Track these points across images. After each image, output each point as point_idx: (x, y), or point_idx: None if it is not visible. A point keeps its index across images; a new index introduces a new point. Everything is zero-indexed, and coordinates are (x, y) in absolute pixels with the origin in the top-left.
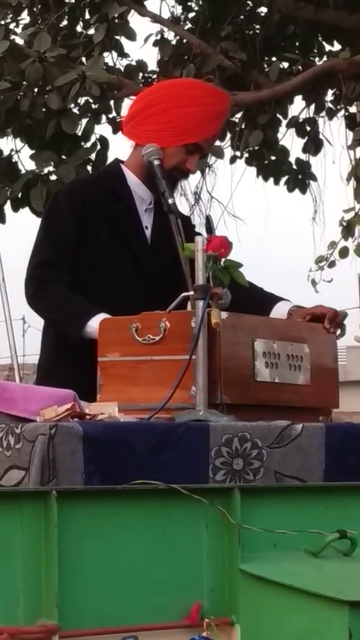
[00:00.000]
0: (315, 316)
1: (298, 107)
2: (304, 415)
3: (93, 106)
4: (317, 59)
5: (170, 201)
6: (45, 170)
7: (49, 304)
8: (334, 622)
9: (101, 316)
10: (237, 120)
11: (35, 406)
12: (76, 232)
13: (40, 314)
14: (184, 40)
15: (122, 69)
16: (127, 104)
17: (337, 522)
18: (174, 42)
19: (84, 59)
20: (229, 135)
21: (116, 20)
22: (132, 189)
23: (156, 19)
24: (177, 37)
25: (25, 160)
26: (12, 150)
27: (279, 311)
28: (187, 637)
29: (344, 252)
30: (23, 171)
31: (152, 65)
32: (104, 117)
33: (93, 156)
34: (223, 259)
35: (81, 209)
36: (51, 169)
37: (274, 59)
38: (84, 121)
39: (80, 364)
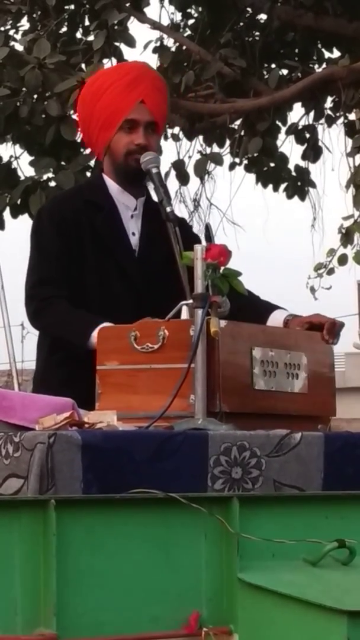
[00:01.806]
0: (313, 325)
1: (297, 114)
2: (302, 424)
3: None
4: (316, 66)
5: (168, 209)
6: (45, 177)
7: (52, 321)
8: (333, 632)
9: (104, 325)
10: (236, 127)
11: (34, 414)
12: (63, 249)
13: (44, 331)
14: (184, 47)
15: None
16: None
17: (336, 532)
18: (173, 49)
19: (83, 66)
20: (228, 142)
21: (116, 27)
22: (114, 197)
23: (156, 25)
24: (177, 44)
25: (25, 167)
26: (11, 156)
27: (275, 320)
28: None
29: (342, 260)
30: (22, 177)
31: None
32: None
33: (92, 163)
34: (222, 267)
35: (64, 225)
36: (50, 175)
37: (273, 66)
38: None
39: (74, 374)
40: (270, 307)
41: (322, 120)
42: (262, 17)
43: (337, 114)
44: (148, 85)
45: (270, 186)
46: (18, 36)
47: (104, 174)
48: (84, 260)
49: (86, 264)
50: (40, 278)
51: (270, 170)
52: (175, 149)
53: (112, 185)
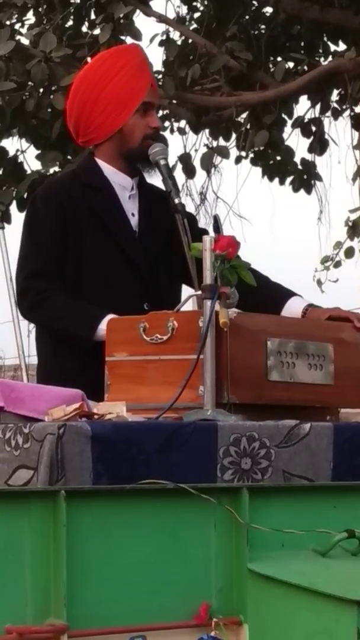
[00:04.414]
0: (333, 319)
1: (303, 107)
2: (321, 416)
3: None
4: (322, 59)
5: (176, 201)
6: (51, 171)
7: (52, 314)
8: (342, 622)
9: (110, 317)
10: (242, 121)
11: (44, 406)
12: (60, 235)
13: (43, 325)
14: (190, 41)
15: None
16: None
17: (345, 522)
18: (179, 42)
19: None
20: (234, 136)
21: (122, 20)
22: (109, 179)
23: (162, 19)
24: (183, 37)
25: (31, 161)
26: (17, 150)
27: (292, 308)
28: (195, 637)
29: (349, 252)
30: (29, 171)
31: (158, 66)
32: None
33: None
34: (231, 259)
35: (60, 210)
36: (57, 169)
37: (279, 59)
38: None
39: (81, 366)
40: (286, 293)
41: (328, 113)
42: (268, 10)
43: (344, 107)
44: (150, 70)
45: (277, 179)
46: (24, 30)
47: (96, 157)
48: (83, 244)
49: (86, 247)
50: (33, 270)
51: (276, 164)
52: (181, 142)
53: (107, 168)
